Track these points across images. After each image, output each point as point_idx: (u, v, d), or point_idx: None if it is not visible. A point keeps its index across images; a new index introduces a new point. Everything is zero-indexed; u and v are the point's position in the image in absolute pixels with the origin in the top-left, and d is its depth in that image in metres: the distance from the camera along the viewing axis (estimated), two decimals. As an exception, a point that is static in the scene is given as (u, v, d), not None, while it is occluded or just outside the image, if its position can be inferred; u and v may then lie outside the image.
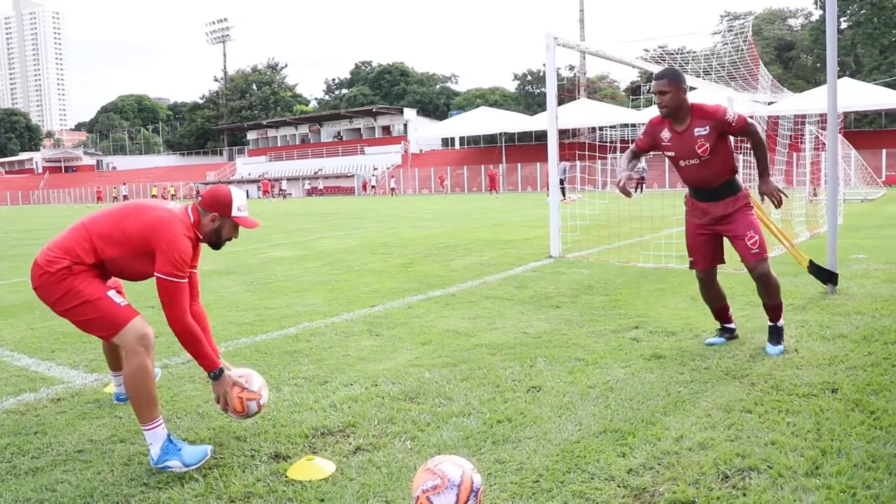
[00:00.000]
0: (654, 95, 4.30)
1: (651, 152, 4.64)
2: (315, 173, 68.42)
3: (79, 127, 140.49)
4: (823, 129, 15.60)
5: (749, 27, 13.72)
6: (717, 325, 4.75)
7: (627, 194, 4.38)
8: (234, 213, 3.20)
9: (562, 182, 17.19)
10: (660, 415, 3.29)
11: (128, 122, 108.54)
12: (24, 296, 7.53)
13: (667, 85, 4.20)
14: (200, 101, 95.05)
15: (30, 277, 3.08)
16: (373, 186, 58.47)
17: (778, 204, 4.28)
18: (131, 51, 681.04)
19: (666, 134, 4.38)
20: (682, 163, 4.38)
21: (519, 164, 56.66)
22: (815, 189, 18.38)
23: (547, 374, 4.01)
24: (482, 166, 57.01)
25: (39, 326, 5.85)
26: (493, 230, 14.61)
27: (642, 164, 5.63)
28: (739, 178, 4.50)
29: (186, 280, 3.06)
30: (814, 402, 3.38)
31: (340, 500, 2.57)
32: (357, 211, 26.56)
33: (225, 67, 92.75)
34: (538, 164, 52.54)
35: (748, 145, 4.40)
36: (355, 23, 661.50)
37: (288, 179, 63.13)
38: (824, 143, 15.59)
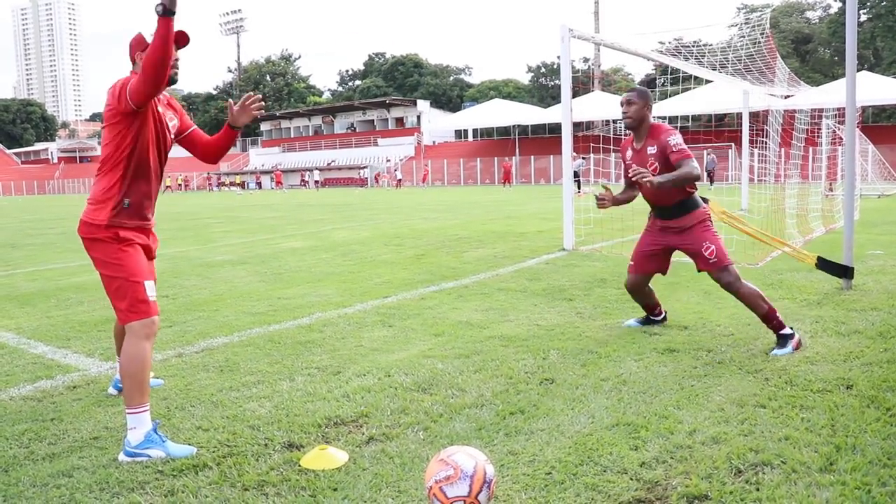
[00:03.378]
0: (621, 106, 4.60)
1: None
2: (328, 164, 68.54)
3: (94, 117, 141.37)
4: (841, 123, 15.46)
5: (766, 20, 13.56)
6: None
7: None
8: None
9: (576, 175, 17.12)
10: (673, 408, 3.28)
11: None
12: (41, 284, 7.60)
13: (636, 97, 4.56)
14: (214, 92, 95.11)
15: (77, 228, 3.18)
16: (374, 178, 58.39)
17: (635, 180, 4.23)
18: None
19: (629, 153, 4.71)
20: None
21: (532, 157, 56.50)
22: (831, 184, 18.23)
23: (560, 367, 4.01)
24: (495, 158, 56.92)
25: (55, 315, 5.91)
26: (506, 222, 14.59)
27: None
28: (702, 196, 4.59)
29: None
30: (828, 398, 3.36)
31: (353, 489, 2.58)
32: (370, 203, 26.60)
33: (239, 58, 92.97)
34: (552, 156, 52.37)
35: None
36: (369, 14, 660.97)
37: (314, 170, 63.15)
38: (841, 138, 15.45)
